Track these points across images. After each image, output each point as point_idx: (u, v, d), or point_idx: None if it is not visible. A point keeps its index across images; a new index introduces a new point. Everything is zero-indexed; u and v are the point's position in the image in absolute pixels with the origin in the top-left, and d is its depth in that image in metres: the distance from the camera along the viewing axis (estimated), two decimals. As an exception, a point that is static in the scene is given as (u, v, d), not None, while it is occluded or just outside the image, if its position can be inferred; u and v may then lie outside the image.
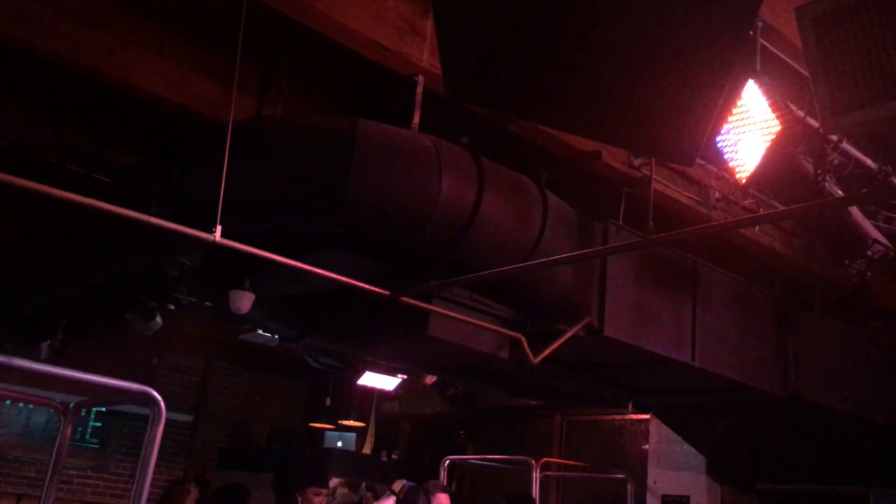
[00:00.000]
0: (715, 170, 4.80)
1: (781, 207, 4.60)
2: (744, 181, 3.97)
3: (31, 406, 8.87)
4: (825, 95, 2.92)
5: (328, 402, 10.14)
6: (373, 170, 3.71)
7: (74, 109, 4.50)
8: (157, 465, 2.74)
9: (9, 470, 8.47)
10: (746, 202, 5.03)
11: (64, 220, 4.93)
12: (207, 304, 6.17)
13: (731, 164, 3.96)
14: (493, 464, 7.68)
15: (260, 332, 7.05)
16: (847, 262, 4.15)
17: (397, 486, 5.56)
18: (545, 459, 6.78)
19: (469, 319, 4.56)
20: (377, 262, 4.48)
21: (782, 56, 4.00)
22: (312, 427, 10.51)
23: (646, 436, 8.49)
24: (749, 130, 3.81)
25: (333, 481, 8.09)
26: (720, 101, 2.26)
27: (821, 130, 3.70)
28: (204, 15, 3.84)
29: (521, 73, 2.10)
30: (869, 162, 3.98)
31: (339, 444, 10.32)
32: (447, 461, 6.67)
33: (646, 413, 8.22)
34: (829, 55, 2.87)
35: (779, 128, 3.76)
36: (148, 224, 3.23)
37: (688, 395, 6.16)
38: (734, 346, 5.43)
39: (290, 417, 10.93)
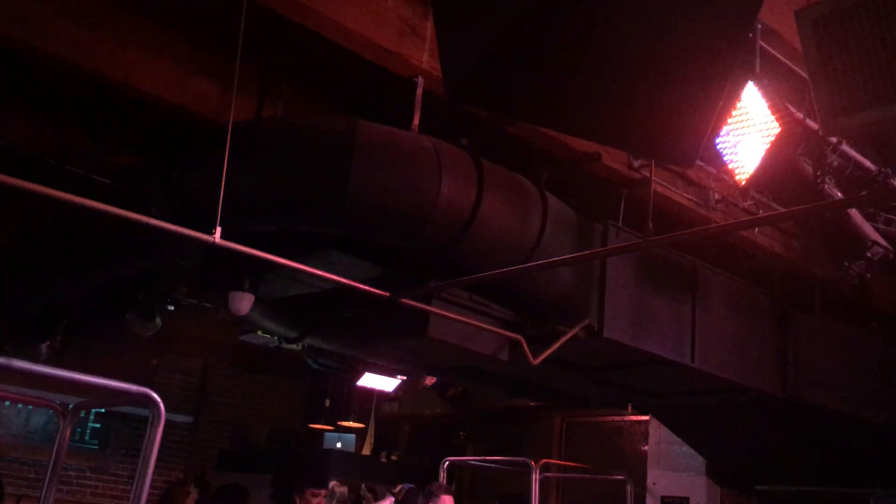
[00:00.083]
0: (714, 171, 4.81)
1: (781, 209, 4.60)
2: (743, 183, 3.97)
3: (30, 407, 8.87)
4: (825, 97, 2.92)
5: (328, 403, 10.14)
6: (373, 171, 3.71)
7: (74, 110, 4.51)
8: (156, 466, 2.73)
9: (8, 471, 8.45)
10: (746, 204, 5.04)
11: (64, 221, 4.93)
12: (207, 305, 6.17)
13: (730, 166, 3.96)
14: (492, 465, 7.68)
15: (259, 333, 7.05)
16: (846, 263, 4.15)
17: (399, 489, 5.57)
18: (545, 461, 6.76)
19: (469, 321, 4.56)
20: (377, 264, 4.48)
21: (782, 58, 4.00)
22: (312, 428, 10.50)
23: (645, 437, 8.49)
24: (748, 132, 3.81)
25: (332, 483, 8.09)
26: (720, 103, 2.26)
27: (820, 132, 3.70)
28: (204, 15, 3.84)
29: (521, 74, 2.09)
30: (868, 164, 3.98)
31: (339, 445, 10.32)
32: (447, 462, 6.66)
33: (645, 414, 8.23)
34: (828, 57, 2.87)
35: (778, 130, 3.76)
36: (147, 225, 3.22)
37: (687, 397, 6.16)
38: (734, 347, 5.43)
39: (289, 418, 10.92)
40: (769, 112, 3.75)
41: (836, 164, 3.94)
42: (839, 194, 3.95)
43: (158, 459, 2.79)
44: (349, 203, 3.68)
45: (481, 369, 5.82)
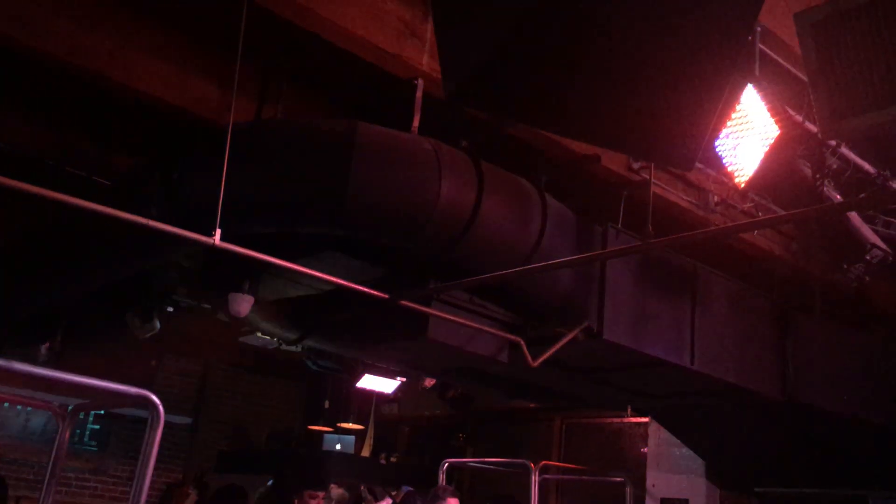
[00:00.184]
0: (714, 174, 4.81)
1: (780, 211, 4.60)
2: (743, 185, 3.97)
3: (29, 408, 8.87)
4: (824, 100, 2.92)
5: (327, 404, 10.12)
6: (373, 172, 3.71)
7: (74, 111, 4.51)
8: (155, 468, 2.74)
9: (7, 472, 8.42)
10: (745, 206, 5.04)
11: (63, 222, 4.93)
12: (206, 306, 6.17)
13: (730, 169, 3.97)
14: (492, 467, 7.67)
15: (259, 334, 7.04)
16: (846, 265, 4.16)
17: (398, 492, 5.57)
18: (544, 462, 6.77)
19: (468, 322, 4.56)
20: (376, 265, 4.48)
21: (781, 61, 4.00)
22: (311, 429, 10.50)
23: (645, 439, 8.49)
24: (748, 135, 3.82)
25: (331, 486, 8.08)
26: (719, 106, 2.26)
27: (819, 135, 3.71)
28: (204, 16, 3.85)
29: (521, 76, 2.10)
30: (867, 166, 3.99)
31: (338, 446, 10.31)
32: (446, 464, 6.65)
33: (645, 416, 8.22)
34: (828, 60, 2.87)
35: (777, 132, 3.76)
36: (147, 227, 3.22)
37: (687, 398, 6.16)
38: (733, 349, 5.43)
39: (289, 420, 10.91)
40: (768, 115, 3.75)
41: (835, 166, 3.94)
42: (838, 197, 3.96)
43: (157, 461, 2.79)
44: (349, 204, 3.68)
45: (481, 371, 5.82)
